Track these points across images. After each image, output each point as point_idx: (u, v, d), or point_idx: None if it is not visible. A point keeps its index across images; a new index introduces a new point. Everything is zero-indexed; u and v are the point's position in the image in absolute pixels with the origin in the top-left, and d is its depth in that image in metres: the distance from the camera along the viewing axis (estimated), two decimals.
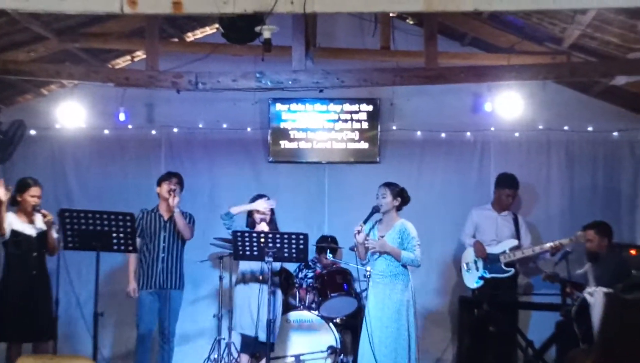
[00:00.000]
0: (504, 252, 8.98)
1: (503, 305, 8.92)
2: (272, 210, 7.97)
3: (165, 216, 8.33)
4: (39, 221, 7.94)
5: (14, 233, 7.85)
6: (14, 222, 7.86)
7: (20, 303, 7.76)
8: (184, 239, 8.40)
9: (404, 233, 7.30)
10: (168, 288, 8.27)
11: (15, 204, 7.96)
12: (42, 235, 7.93)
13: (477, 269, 9.06)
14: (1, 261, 8.21)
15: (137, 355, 8.38)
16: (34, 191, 7.93)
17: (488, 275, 8.93)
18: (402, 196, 7.45)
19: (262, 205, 7.88)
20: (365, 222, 7.31)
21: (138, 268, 8.38)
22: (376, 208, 7.37)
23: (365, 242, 7.36)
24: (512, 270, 8.97)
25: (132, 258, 8.39)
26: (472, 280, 9.10)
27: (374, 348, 7.14)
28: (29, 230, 7.85)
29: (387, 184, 7.48)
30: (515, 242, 9.07)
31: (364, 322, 7.39)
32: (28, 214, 7.94)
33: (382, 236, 7.36)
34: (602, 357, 3.36)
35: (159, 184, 8.40)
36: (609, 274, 7.85)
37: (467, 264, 9.20)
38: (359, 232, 7.27)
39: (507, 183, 9.32)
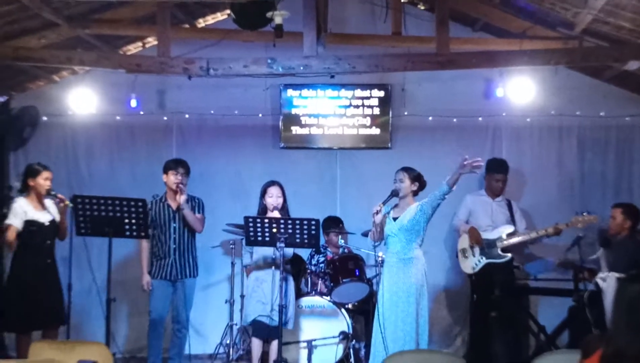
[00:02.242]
0: (500, 238, 8.95)
1: (514, 290, 8.93)
2: (284, 196, 7.95)
3: (174, 206, 8.25)
4: (51, 207, 7.95)
5: (28, 222, 7.84)
6: (29, 211, 7.85)
7: (34, 293, 7.75)
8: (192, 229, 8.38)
9: (422, 203, 7.29)
10: (181, 279, 8.27)
11: (25, 190, 7.96)
12: (53, 222, 7.94)
13: (474, 255, 9.02)
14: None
15: (150, 341, 8.39)
16: (46, 174, 7.89)
17: (485, 261, 8.91)
18: (419, 181, 7.43)
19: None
20: (384, 203, 7.29)
21: (151, 257, 8.35)
22: (395, 192, 7.33)
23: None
24: (509, 256, 8.90)
25: (145, 249, 8.33)
26: (469, 266, 9.05)
27: (384, 330, 7.15)
28: (43, 218, 7.86)
29: (405, 169, 7.45)
30: (511, 228, 9.01)
31: (377, 304, 7.40)
32: (40, 200, 7.92)
33: (396, 218, 7.35)
34: (613, 348, 3.35)
35: (165, 172, 8.32)
36: (624, 260, 7.85)
37: (463, 250, 9.15)
38: (377, 212, 7.25)
39: (495, 167, 9.29)
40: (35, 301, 7.72)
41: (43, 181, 7.86)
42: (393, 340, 7.10)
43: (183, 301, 8.30)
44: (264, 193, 7.92)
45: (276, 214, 7.75)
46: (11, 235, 7.73)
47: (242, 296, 9.00)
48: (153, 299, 8.28)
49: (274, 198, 7.85)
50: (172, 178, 8.20)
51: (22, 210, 7.79)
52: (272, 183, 7.96)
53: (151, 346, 8.36)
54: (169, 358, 8.47)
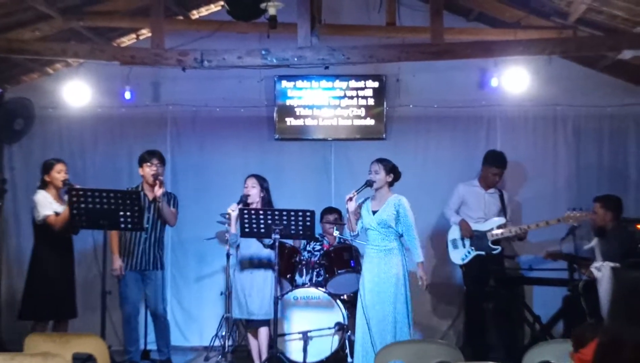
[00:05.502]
0: (491, 230, 8.92)
1: (508, 280, 8.92)
2: (267, 190, 8.01)
3: (150, 196, 8.23)
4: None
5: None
6: (52, 202, 7.94)
7: (52, 284, 7.86)
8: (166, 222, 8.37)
9: (400, 207, 7.30)
10: (148, 270, 8.26)
11: (44, 187, 8.03)
12: None
13: (464, 246, 9.00)
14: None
15: (125, 334, 8.41)
16: (59, 167, 7.99)
17: (474, 253, 8.89)
18: (394, 172, 7.46)
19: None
20: (358, 192, 7.32)
21: (121, 247, 8.28)
22: (369, 182, 7.38)
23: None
24: (499, 248, 8.88)
25: (114, 234, 8.14)
26: (458, 257, 9.01)
27: (369, 321, 7.17)
28: (61, 211, 7.88)
29: (380, 160, 7.48)
30: (502, 220, 8.94)
31: (359, 295, 7.42)
32: (58, 194, 8.02)
33: (376, 211, 7.37)
34: (610, 336, 3.33)
35: (140, 165, 8.31)
36: (616, 249, 7.85)
37: (453, 240, 9.08)
38: (350, 200, 7.27)
39: (494, 161, 9.12)
40: (53, 291, 7.85)
41: (57, 173, 7.99)
42: (376, 333, 7.12)
43: (155, 294, 8.30)
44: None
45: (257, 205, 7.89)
46: (57, 220, 7.86)
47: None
48: (124, 292, 8.27)
49: (249, 188, 7.95)
50: (148, 170, 8.21)
51: (48, 201, 7.93)
52: (250, 175, 8.08)
53: (127, 340, 8.37)
54: (158, 351, 8.50)
